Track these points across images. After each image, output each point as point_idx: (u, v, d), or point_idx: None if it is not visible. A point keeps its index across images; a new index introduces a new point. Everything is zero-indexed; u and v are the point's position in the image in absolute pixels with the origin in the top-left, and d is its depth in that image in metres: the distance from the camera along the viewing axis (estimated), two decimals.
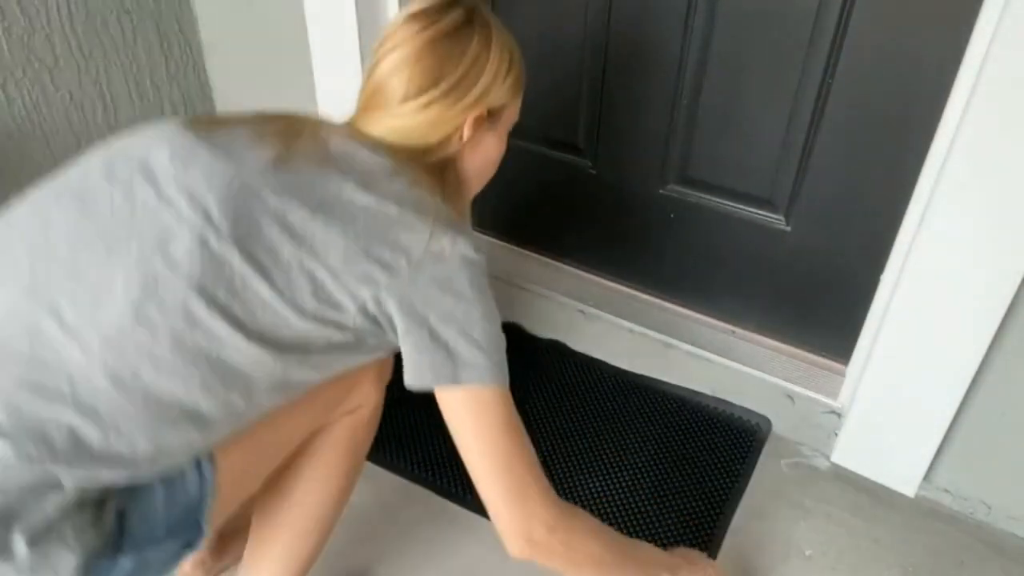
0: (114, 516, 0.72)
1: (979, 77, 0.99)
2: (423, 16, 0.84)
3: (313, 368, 0.80)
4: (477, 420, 0.80)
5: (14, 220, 0.76)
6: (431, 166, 0.86)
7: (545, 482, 0.83)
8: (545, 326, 1.66)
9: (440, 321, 0.77)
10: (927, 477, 1.31)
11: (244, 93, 1.85)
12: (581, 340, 1.62)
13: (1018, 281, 1.06)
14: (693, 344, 1.50)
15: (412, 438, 1.41)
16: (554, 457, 1.38)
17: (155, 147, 0.76)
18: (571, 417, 1.47)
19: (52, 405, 0.67)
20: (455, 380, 0.78)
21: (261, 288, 0.72)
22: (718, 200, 1.43)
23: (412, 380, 0.79)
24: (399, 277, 0.75)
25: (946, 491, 1.32)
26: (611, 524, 1.26)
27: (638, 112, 1.43)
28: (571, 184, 1.59)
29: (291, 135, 0.80)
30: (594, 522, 0.91)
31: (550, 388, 1.53)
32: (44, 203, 0.76)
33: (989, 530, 1.29)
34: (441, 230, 0.77)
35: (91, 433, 0.68)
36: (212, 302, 0.70)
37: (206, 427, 0.74)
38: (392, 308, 0.76)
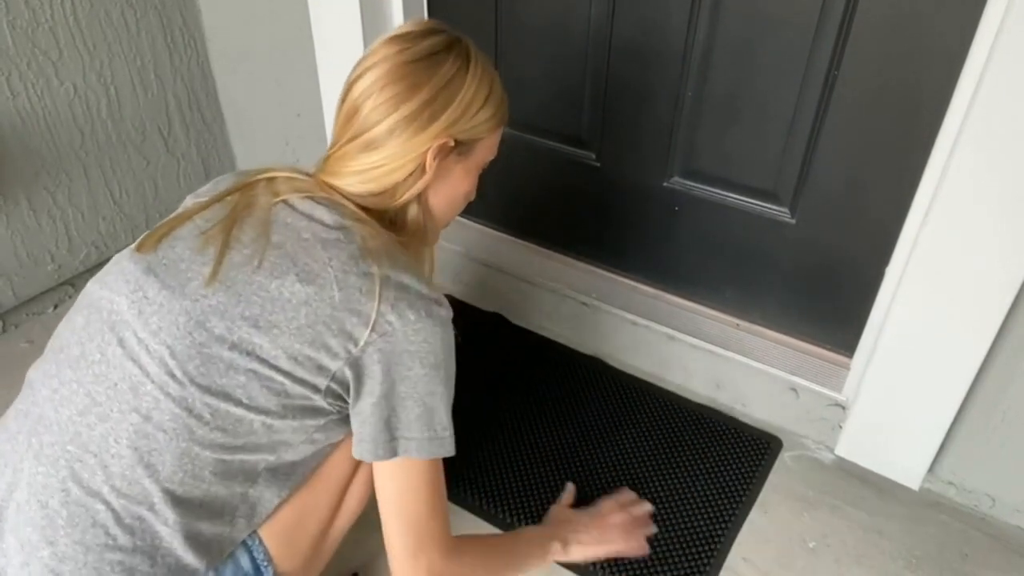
0: None
1: (986, 69, 0.99)
2: (401, 39, 0.85)
3: (307, 452, 0.86)
4: (402, 485, 0.86)
5: (35, 397, 0.83)
6: (393, 211, 0.89)
7: (445, 536, 0.90)
8: (548, 319, 1.66)
9: (383, 397, 0.81)
10: (931, 470, 1.31)
11: (248, 86, 1.86)
12: (584, 333, 1.62)
13: (1023, 274, 1.06)
14: (697, 337, 1.50)
15: None
16: (571, 458, 1.38)
17: (116, 295, 0.82)
18: (581, 421, 1.47)
19: (102, 554, 0.77)
20: (392, 454, 0.84)
21: (230, 409, 0.78)
22: (722, 193, 1.42)
23: (356, 453, 0.85)
24: (348, 362, 0.79)
25: (950, 484, 1.32)
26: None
27: (642, 104, 1.43)
28: (574, 177, 1.58)
29: (236, 222, 0.83)
30: (478, 551, 0.99)
31: (570, 393, 1.53)
32: (51, 372, 0.83)
33: (993, 523, 1.28)
34: (387, 304, 0.79)
35: (140, 563, 0.77)
36: (191, 439, 0.78)
37: (230, 521, 0.83)
38: (343, 388, 0.81)
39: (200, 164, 1.93)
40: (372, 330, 0.78)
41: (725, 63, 1.30)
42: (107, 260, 1.77)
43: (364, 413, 0.82)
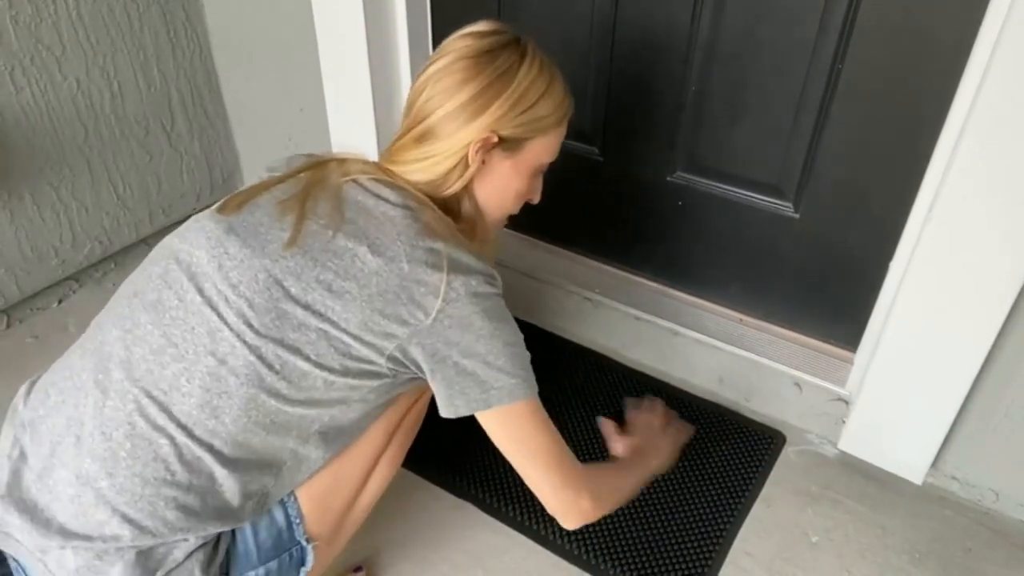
0: (224, 552, 0.86)
1: (991, 62, 0.98)
2: (468, 36, 0.90)
3: (358, 412, 0.90)
4: (514, 433, 0.89)
5: (104, 337, 0.87)
6: (449, 200, 0.93)
7: (578, 464, 0.94)
8: (552, 314, 1.66)
9: (463, 356, 0.84)
10: (935, 464, 1.31)
11: (251, 81, 1.85)
12: (588, 328, 1.62)
13: None
14: (700, 332, 1.50)
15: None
16: (574, 453, 1.38)
17: (196, 249, 0.86)
18: (584, 413, 1.47)
19: (160, 488, 0.80)
20: (487, 405, 0.86)
21: (298, 362, 0.82)
22: (726, 187, 1.42)
23: (446, 412, 0.88)
24: (418, 329, 0.83)
25: (954, 478, 1.32)
26: (621, 519, 1.27)
27: (645, 99, 1.43)
28: (578, 172, 1.58)
29: (311, 196, 0.88)
30: (608, 471, 1.07)
31: (579, 391, 1.53)
32: (123, 315, 0.87)
33: (997, 517, 1.28)
34: (454, 275, 0.83)
35: (192, 502, 0.81)
36: (260, 386, 0.82)
37: (277, 474, 0.87)
38: (416, 355, 0.84)
39: (203, 159, 1.93)
40: (441, 299, 0.82)
41: (729, 57, 1.30)
42: (111, 255, 1.80)
43: (448, 376, 0.85)
